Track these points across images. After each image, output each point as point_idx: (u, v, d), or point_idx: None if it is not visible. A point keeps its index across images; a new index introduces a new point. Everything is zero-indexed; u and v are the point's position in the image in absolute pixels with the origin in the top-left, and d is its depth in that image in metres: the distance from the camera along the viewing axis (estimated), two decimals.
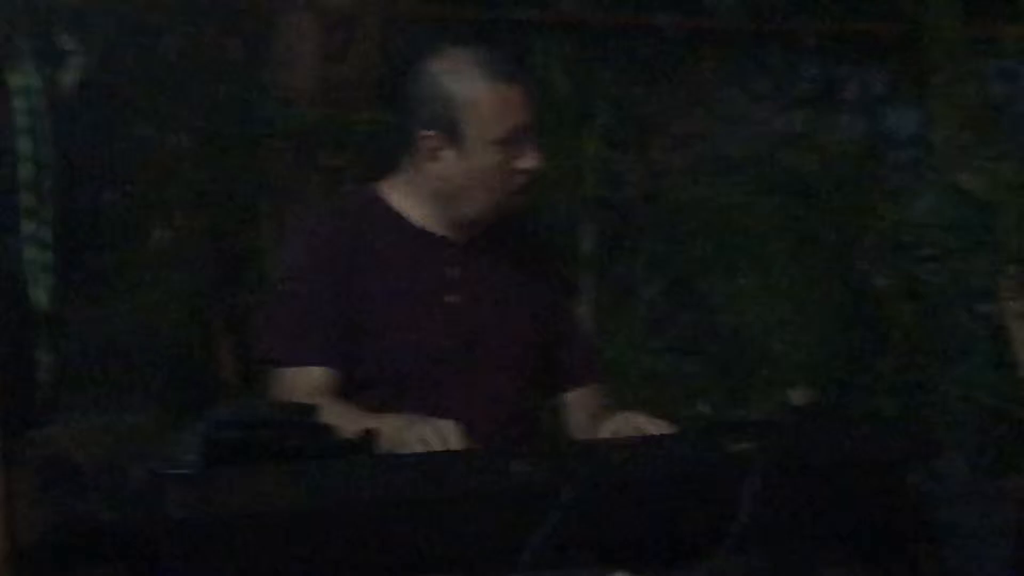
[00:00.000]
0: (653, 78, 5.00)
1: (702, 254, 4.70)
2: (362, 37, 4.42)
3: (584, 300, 4.65)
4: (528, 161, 2.71)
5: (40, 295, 3.55)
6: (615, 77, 4.92)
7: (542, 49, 4.86)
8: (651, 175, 4.95)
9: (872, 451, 2.58)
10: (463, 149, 2.69)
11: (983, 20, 4.91)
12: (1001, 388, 4.41)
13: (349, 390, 2.71)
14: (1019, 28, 4.97)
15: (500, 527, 2.27)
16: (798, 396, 3.86)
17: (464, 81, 2.69)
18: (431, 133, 2.71)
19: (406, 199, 2.79)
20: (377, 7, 4.48)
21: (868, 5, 5.00)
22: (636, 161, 4.94)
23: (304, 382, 2.68)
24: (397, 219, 2.79)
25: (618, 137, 4.91)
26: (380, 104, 4.29)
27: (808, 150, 4.99)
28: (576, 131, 4.78)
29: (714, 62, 5.12)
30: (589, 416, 2.85)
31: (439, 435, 2.40)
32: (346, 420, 2.36)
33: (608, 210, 4.87)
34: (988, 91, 5.05)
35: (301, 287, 2.75)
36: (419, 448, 2.38)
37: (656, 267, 4.82)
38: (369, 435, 2.30)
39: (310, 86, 4.40)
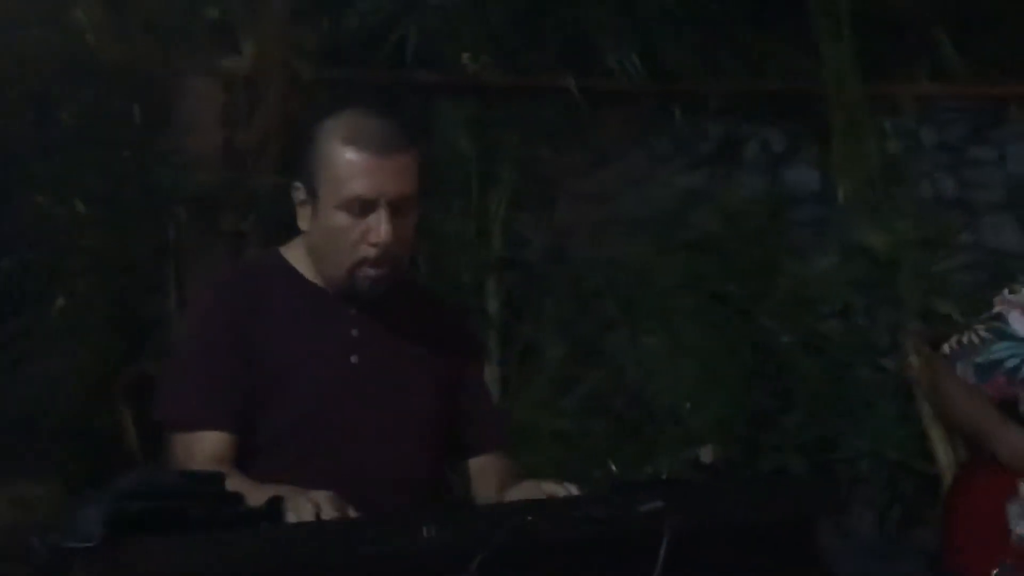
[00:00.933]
0: (557, 139, 5.03)
1: (608, 313, 4.72)
2: (265, 101, 4.41)
3: (491, 361, 4.65)
4: (374, 235, 2.69)
5: None
6: (520, 138, 4.94)
7: (446, 111, 4.88)
8: (556, 235, 4.97)
9: (781, 508, 2.57)
10: (316, 208, 2.70)
11: (882, 80, 4.99)
12: (906, 442, 4.46)
13: (250, 453, 2.67)
14: (916, 87, 5.06)
15: None
16: (706, 453, 3.86)
17: (329, 141, 2.69)
18: (298, 185, 2.73)
19: (304, 260, 2.78)
20: (280, 71, 4.48)
21: (769, 65, 5.06)
22: (541, 221, 4.96)
23: (201, 447, 2.64)
24: (299, 280, 2.78)
25: (523, 197, 4.93)
26: (283, 168, 4.28)
27: (712, 209, 5.03)
28: (482, 192, 4.80)
29: (618, 123, 5.16)
30: (496, 482, 2.83)
31: (312, 506, 2.36)
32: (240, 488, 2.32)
33: (514, 270, 4.88)
34: (888, 149, 5.13)
35: (200, 351, 2.72)
36: (292, 519, 2.34)
37: (562, 327, 4.83)
38: (275, 502, 2.27)
39: (212, 151, 4.38)
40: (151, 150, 4.38)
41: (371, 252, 2.69)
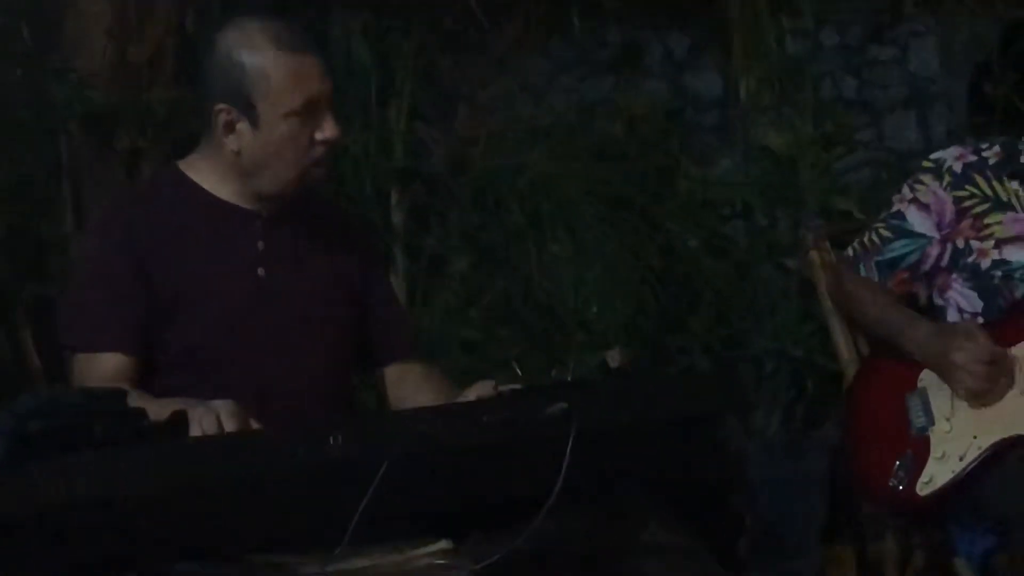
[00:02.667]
0: (456, 48, 5.00)
1: (513, 222, 4.72)
2: (155, 14, 4.33)
3: (397, 273, 4.65)
4: (326, 132, 2.68)
5: None
6: (417, 48, 4.90)
7: (342, 22, 4.82)
8: (458, 145, 4.95)
9: (686, 406, 2.60)
10: (257, 122, 2.65)
11: None
12: (809, 340, 4.51)
13: (159, 370, 2.66)
14: None
15: (320, 503, 2.25)
16: (613, 357, 3.89)
17: (255, 53, 2.64)
18: (224, 107, 2.67)
19: (209, 175, 2.75)
20: None
21: None
22: (443, 132, 4.94)
23: (101, 367, 2.63)
24: (201, 195, 2.75)
25: (423, 108, 4.90)
26: (179, 82, 4.22)
27: (614, 115, 5.03)
28: (381, 103, 4.76)
29: (517, 31, 5.13)
30: (411, 389, 2.84)
31: (213, 416, 2.35)
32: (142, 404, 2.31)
33: (417, 181, 4.86)
34: (788, 51, 5.15)
35: (98, 272, 2.70)
36: (195, 431, 2.33)
37: (467, 237, 4.82)
38: (178, 417, 2.26)
39: (104, 67, 4.30)
40: (41, 68, 4.29)
41: (322, 151, 2.68)
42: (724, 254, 4.74)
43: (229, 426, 2.33)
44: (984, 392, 2.99)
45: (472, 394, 2.65)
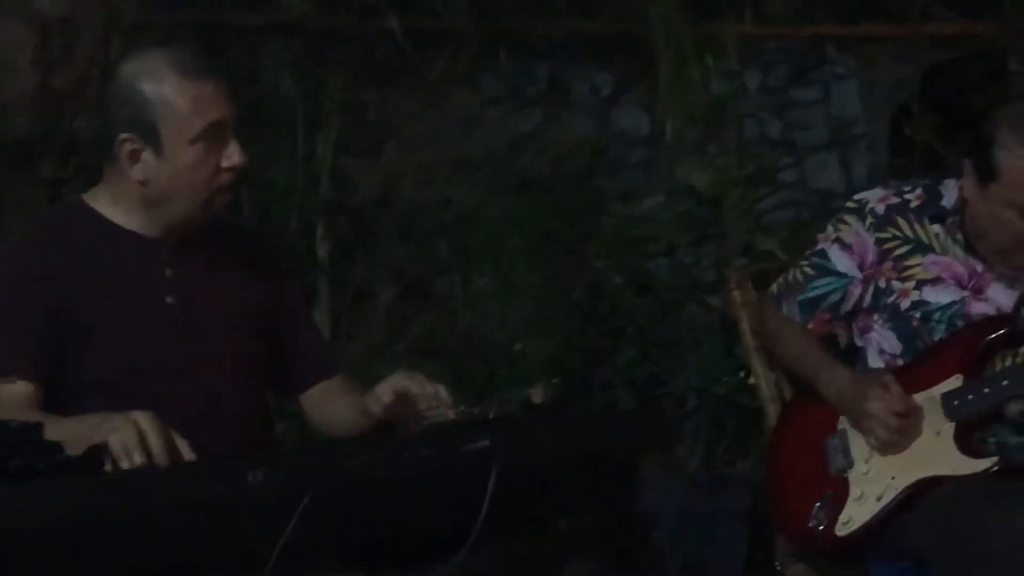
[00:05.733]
0: (384, 81, 5.00)
1: (439, 255, 4.72)
2: (82, 44, 4.30)
3: (322, 306, 4.63)
4: (232, 158, 2.67)
5: None
6: (345, 81, 4.90)
7: (270, 54, 4.81)
8: (386, 178, 4.95)
9: (608, 443, 2.61)
10: (162, 150, 2.64)
11: (706, 21, 5.05)
12: (731, 377, 4.54)
13: (70, 401, 2.63)
14: (739, 29, 5.13)
15: (239, 537, 2.23)
16: (537, 393, 3.89)
17: (156, 80, 2.62)
18: (128, 136, 2.65)
19: (113, 206, 2.73)
20: (98, 13, 4.37)
21: (596, 6, 5.09)
22: (370, 164, 4.94)
23: (7, 395, 2.60)
24: (106, 226, 2.73)
25: (351, 140, 4.89)
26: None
27: (541, 150, 5.05)
28: (308, 136, 4.75)
29: (446, 64, 5.14)
30: (331, 406, 2.83)
31: (132, 425, 2.33)
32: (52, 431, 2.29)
33: (343, 214, 4.85)
34: (713, 91, 5.20)
35: (5, 303, 2.67)
36: (115, 443, 2.31)
37: (393, 270, 4.82)
38: (95, 450, 2.24)
39: (28, 95, 4.27)
40: None
41: (228, 177, 2.67)
42: (648, 291, 4.76)
43: (151, 435, 2.32)
44: (893, 443, 3.04)
45: (388, 387, 2.62)
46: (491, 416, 2.69)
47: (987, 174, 3.01)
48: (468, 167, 4.92)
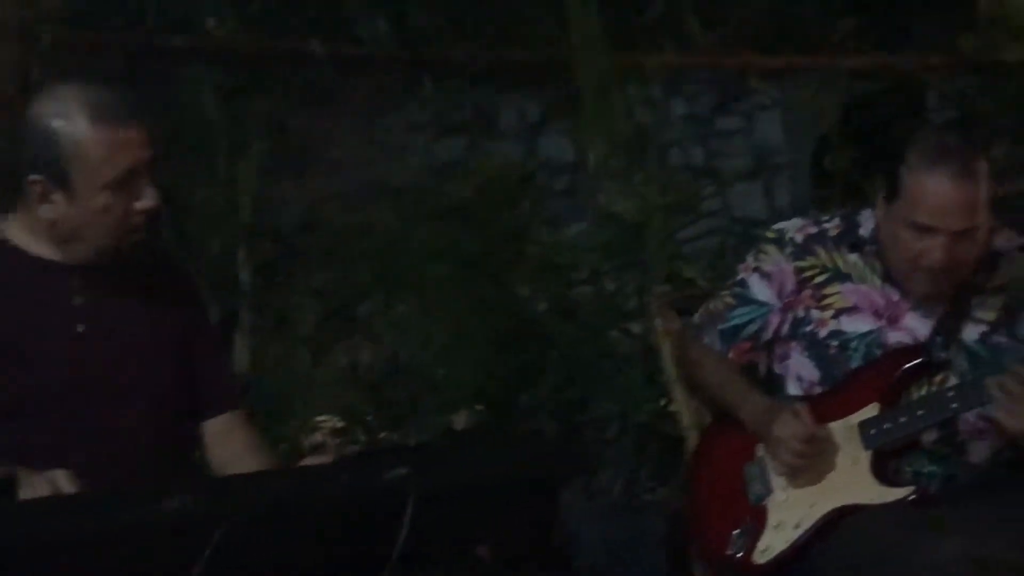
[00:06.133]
0: (309, 106, 4.99)
1: (362, 281, 4.70)
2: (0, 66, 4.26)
3: (243, 332, 4.60)
4: (144, 202, 2.64)
5: None
6: (270, 105, 4.88)
7: (193, 77, 4.78)
8: (309, 203, 4.93)
9: (528, 470, 2.61)
10: (73, 195, 2.61)
11: (629, 50, 5.07)
12: (652, 405, 4.55)
13: None
14: (661, 58, 5.16)
15: (154, 562, 2.21)
16: (460, 420, 3.90)
17: (70, 123, 2.58)
18: (39, 178, 2.62)
19: (24, 235, 2.70)
20: (18, 34, 4.33)
21: (521, 34, 5.10)
22: (294, 189, 4.92)
23: None
24: (15, 254, 2.70)
25: (274, 165, 4.87)
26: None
27: (466, 177, 5.05)
28: (231, 160, 4.73)
29: (371, 90, 5.14)
30: (238, 446, 2.81)
31: (48, 485, 2.31)
32: None
33: (266, 239, 4.82)
34: (637, 119, 5.22)
35: None
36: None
37: (316, 296, 4.80)
38: (6, 481, 2.22)
39: None
40: None
41: (140, 219, 2.65)
42: (572, 318, 4.77)
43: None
44: (799, 469, 3.06)
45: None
46: (412, 443, 2.69)
47: (892, 192, 3.05)
48: (392, 193, 4.92)
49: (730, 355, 3.29)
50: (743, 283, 3.28)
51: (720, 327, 3.29)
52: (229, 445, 2.82)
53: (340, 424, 4.29)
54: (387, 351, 4.68)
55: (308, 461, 2.63)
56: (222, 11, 4.72)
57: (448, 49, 5.05)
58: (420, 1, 4.90)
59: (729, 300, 3.29)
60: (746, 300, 3.27)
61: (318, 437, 4.23)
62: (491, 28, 5.06)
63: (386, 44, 4.94)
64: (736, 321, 3.28)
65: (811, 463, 3.06)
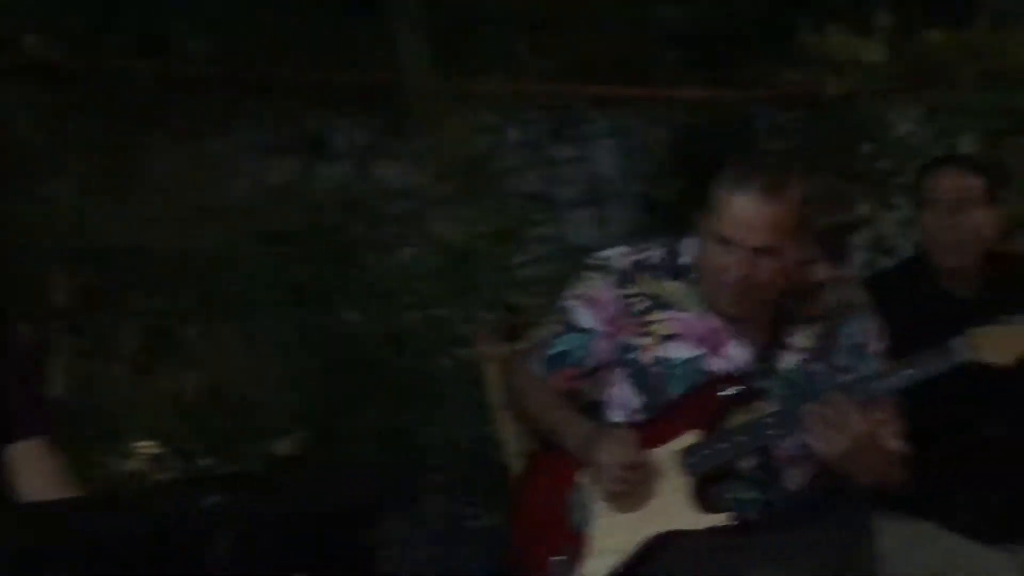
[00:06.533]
0: (131, 125, 4.88)
1: (185, 305, 4.62)
2: None
3: (61, 355, 4.49)
4: None
5: None
6: (90, 124, 4.77)
7: (8, 94, 4.66)
8: (131, 224, 4.82)
9: (351, 497, 2.58)
10: None
11: (460, 76, 5.07)
12: (479, 432, 4.54)
13: None
14: (493, 84, 5.17)
15: None
16: (283, 446, 3.85)
17: None
18: None
19: None
20: None
21: (350, 57, 5.07)
22: (115, 210, 4.81)
23: None
24: None
25: (94, 185, 4.76)
26: None
27: (294, 200, 4.99)
28: (49, 180, 4.61)
29: (197, 110, 5.06)
30: (44, 473, 2.74)
31: None
32: None
33: (85, 261, 4.71)
34: (470, 145, 5.22)
35: None
36: None
37: (137, 319, 4.69)
38: None
39: None
40: None
41: None
42: (401, 344, 4.74)
43: None
44: (621, 495, 3.08)
45: None
46: (230, 470, 2.64)
47: (707, 210, 3.11)
48: (219, 215, 4.84)
49: (555, 382, 3.30)
50: (568, 310, 3.30)
51: (546, 354, 3.30)
52: (35, 472, 2.75)
53: (158, 450, 4.21)
54: (209, 376, 4.59)
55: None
56: (41, 28, 4.61)
57: (275, 70, 4.98)
58: (247, 21, 4.83)
59: (555, 327, 3.31)
60: (571, 327, 3.29)
61: (136, 463, 4.15)
62: (320, 50, 5.02)
63: (212, 63, 4.86)
64: (561, 348, 3.29)
65: (634, 489, 3.08)
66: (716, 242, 3.08)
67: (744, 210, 3.03)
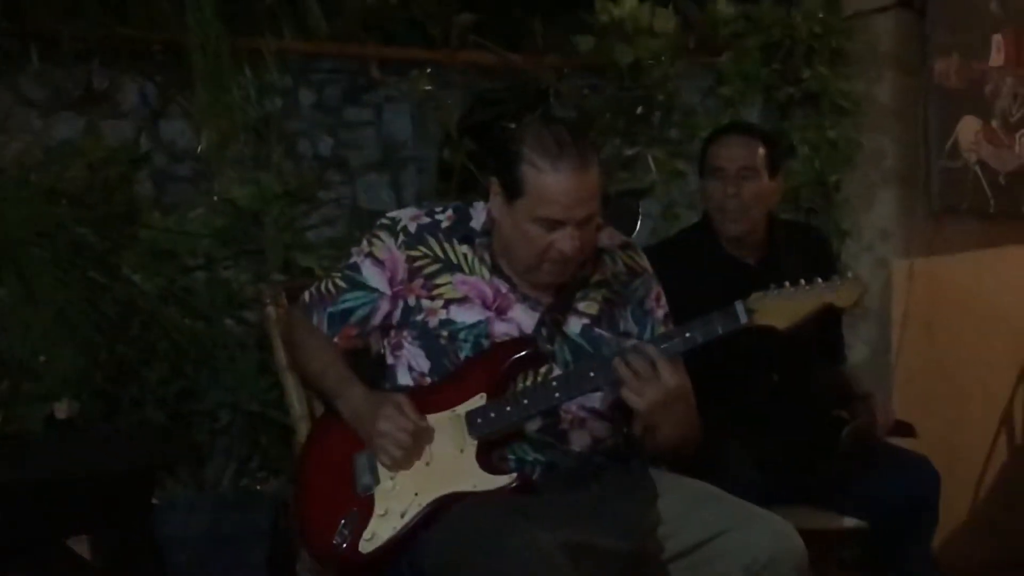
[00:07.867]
0: None
1: None
2: None
3: None
4: None
5: None
6: None
7: None
8: None
9: (135, 460, 2.54)
10: None
11: (246, 35, 4.98)
12: (265, 394, 4.50)
13: None
14: (279, 43, 5.09)
15: None
16: (62, 409, 3.74)
17: None
18: None
19: None
20: None
21: (134, 12, 4.94)
22: None
23: None
24: None
25: None
26: None
27: (75, 157, 4.85)
28: None
29: None
30: None
31: None
32: None
33: None
34: (259, 105, 5.14)
35: None
36: None
37: None
38: None
39: None
40: None
41: None
42: (184, 305, 4.65)
43: None
44: (399, 462, 3.08)
45: None
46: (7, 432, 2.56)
47: (514, 191, 3.10)
48: None
49: (336, 340, 3.27)
50: (355, 267, 3.28)
51: (329, 310, 3.28)
52: None
53: None
54: None
55: None
56: None
57: (61, 24, 4.82)
58: None
59: (340, 283, 3.28)
60: (357, 284, 3.27)
61: None
62: (107, 5, 4.87)
63: None
64: (345, 305, 3.27)
65: (415, 453, 3.08)
66: (537, 223, 3.08)
67: (564, 189, 3.05)
